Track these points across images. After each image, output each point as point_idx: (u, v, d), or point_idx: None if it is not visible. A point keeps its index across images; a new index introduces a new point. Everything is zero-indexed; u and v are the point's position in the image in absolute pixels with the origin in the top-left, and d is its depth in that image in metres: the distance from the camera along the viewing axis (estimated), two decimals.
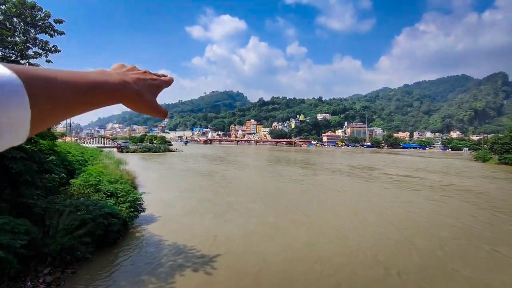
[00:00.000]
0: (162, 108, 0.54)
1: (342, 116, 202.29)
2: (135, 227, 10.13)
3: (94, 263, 7.34)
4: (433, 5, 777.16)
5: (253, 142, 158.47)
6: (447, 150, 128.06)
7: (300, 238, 9.63)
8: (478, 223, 11.86)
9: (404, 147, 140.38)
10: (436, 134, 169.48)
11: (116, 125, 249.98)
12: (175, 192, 17.00)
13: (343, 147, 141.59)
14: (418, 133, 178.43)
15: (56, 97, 0.35)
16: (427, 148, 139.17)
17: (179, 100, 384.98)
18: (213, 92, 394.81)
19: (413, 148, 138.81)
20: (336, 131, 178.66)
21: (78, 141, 62.39)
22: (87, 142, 56.25)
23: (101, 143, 57.72)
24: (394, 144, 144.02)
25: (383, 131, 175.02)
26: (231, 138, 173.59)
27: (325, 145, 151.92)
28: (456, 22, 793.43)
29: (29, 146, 8.96)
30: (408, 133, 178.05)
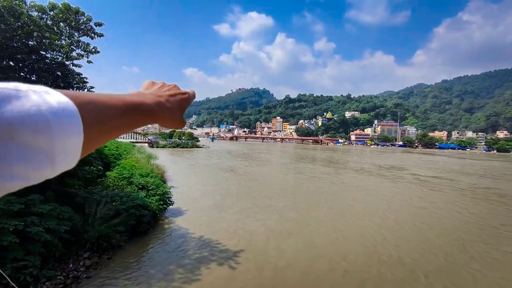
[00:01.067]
0: (184, 120, 0.56)
1: (372, 114, 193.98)
2: (164, 219, 10.64)
3: (127, 250, 7.85)
4: None
5: (278, 139, 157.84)
6: (492, 152, 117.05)
7: (320, 236, 9.54)
8: (509, 228, 10.83)
9: (440, 148, 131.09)
10: (479, 133, 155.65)
11: None
12: (201, 186, 17.53)
13: (372, 146, 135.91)
14: (458, 133, 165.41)
15: (104, 120, 0.36)
16: (467, 149, 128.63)
17: (206, 98, 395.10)
18: (239, 89, 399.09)
19: (451, 148, 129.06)
20: (365, 130, 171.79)
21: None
22: (121, 137, 59.73)
23: (133, 138, 61.00)
24: (429, 144, 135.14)
25: (417, 130, 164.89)
26: (257, 135, 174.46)
27: (353, 144, 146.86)
28: (506, 10, 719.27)
29: None
30: (446, 133, 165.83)
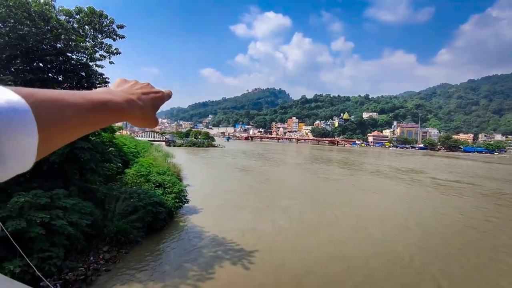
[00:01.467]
0: (157, 119, 0.55)
1: (391, 115, 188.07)
2: (179, 217, 10.86)
3: (144, 246, 8.09)
4: None
5: (294, 140, 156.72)
6: None
7: (334, 238, 9.39)
8: None
9: (465, 151, 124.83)
10: (509, 136, 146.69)
11: (165, 120, 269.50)
12: (216, 185, 17.75)
13: (390, 148, 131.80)
14: (485, 135, 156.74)
15: (63, 119, 0.34)
16: (496, 153, 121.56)
17: (222, 97, 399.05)
18: (255, 89, 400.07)
19: (478, 152, 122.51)
20: (384, 131, 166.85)
21: (132, 134, 68.73)
22: (139, 136, 61.70)
23: (151, 137, 62.72)
24: (452, 146, 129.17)
25: (439, 132, 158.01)
26: (272, 136, 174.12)
27: (370, 146, 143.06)
28: None
29: (94, 138, 10.19)
30: (472, 135, 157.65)
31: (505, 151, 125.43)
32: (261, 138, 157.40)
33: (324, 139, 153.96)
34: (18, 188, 6.87)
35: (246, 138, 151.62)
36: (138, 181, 11.95)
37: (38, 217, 5.98)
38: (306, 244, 8.81)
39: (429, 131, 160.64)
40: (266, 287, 6.43)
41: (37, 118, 0.30)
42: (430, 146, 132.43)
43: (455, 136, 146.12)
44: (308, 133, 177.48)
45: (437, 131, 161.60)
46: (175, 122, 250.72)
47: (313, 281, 6.75)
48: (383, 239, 9.55)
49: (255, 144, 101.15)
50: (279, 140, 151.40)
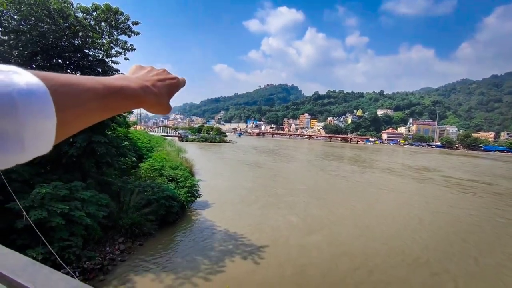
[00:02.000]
0: (170, 106, 0.54)
1: (406, 112, 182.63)
2: (192, 211, 11.06)
3: (157, 238, 8.31)
4: None
5: (306, 136, 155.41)
6: None
7: (342, 233, 9.40)
8: None
9: (486, 150, 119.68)
10: None
11: (178, 116, 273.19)
12: (227, 180, 17.92)
13: (405, 146, 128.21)
14: (508, 134, 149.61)
15: (80, 103, 0.34)
16: None
17: (234, 93, 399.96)
18: (267, 85, 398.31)
19: (499, 151, 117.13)
20: (398, 128, 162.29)
21: (146, 129, 70.13)
22: (153, 131, 62.89)
23: (165, 132, 63.87)
24: (472, 145, 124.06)
25: (459, 130, 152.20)
26: (284, 132, 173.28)
27: (384, 143, 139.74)
28: None
29: (110, 132, 10.49)
30: (493, 134, 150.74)
31: None
32: (273, 134, 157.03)
33: (337, 136, 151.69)
34: (39, 179, 7.19)
35: (258, 134, 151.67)
36: (151, 175, 12.23)
37: (58, 208, 6.25)
38: (316, 240, 8.83)
39: (447, 128, 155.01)
40: (275, 283, 6.47)
41: (55, 101, 0.31)
42: (447, 144, 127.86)
43: (475, 134, 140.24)
44: (321, 130, 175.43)
45: (456, 128, 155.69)
46: (188, 118, 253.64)
47: (320, 277, 6.74)
48: (383, 236, 9.38)
49: (266, 140, 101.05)
50: (290, 137, 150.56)
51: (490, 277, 7.08)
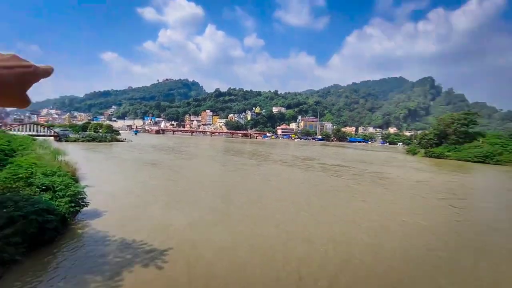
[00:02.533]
0: (28, 99, 0.47)
1: (296, 110, 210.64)
2: (76, 223, 9.37)
3: (26, 266, 6.64)
4: (379, 11, 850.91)
5: (208, 133, 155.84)
6: (386, 144, 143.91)
7: (242, 224, 10.11)
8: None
9: (350, 141, 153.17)
10: (377, 129, 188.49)
11: (53, 111, 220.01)
12: (122, 184, 16.12)
13: (296, 139, 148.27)
14: (363, 128, 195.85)
15: None
16: (369, 142, 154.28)
17: (128, 87, 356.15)
18: (166, 79, 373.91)
19: (358, 142, 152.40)
20: (290, 124, 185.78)
21: (3, 127, 53.77)
22: (15, 129, 48.89)
23: (33, 131, 50.78)
24: (342, 137, 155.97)
25: (333, 126, 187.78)
26: (186, 129, 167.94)
27: (279, 138, 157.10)
28: (396, 29, 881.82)
29: None
30: (354, 128, 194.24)
31: (375, 141, 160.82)
32: (174, 131, 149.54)
33: (238, 132, 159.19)
34: None
35: (157, 132, 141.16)
36: (14, 185, 9.56)
37: None
38: (219, 233, 9.16)
39: (326, 124, 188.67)
40: (184, 281, 6.38)
41: None
42: (326, 137, 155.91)
43: (343, 129, 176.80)
44: (222, 126, 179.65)
45: (331, 124, 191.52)
46: (68, 113, 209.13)
47: (226, 270, 7.12)
48: (280, 218, 10.88)
49: (167, 137, 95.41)
50: (192, 133, 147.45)
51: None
